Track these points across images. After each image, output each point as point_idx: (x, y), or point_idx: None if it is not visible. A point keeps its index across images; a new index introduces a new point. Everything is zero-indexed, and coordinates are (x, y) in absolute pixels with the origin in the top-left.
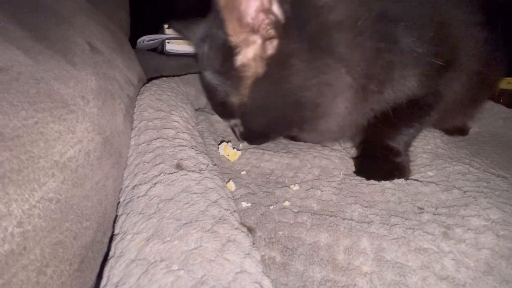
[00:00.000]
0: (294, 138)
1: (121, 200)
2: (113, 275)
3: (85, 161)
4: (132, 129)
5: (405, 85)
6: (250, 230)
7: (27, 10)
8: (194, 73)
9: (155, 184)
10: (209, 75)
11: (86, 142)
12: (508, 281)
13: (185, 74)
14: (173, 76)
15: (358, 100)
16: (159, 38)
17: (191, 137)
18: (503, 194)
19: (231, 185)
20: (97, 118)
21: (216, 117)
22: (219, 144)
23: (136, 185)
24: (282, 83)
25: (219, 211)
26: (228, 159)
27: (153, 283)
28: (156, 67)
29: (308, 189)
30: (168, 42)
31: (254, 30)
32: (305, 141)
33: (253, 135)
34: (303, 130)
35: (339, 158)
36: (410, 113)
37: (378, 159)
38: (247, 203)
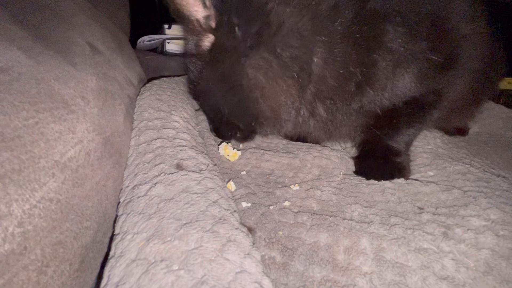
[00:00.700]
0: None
1: (122, 200)
2: (113, 275)
3: (86, 161)
4: (132, 129)
5: (399, 84)
6: (250, 230)
7: (27, 10)
8: None
9: (155, 184)
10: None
11: (86, 142)
12: (508, 281)
13: (185, 74)
14: (173, 76)
15: (311, 100)
16: (159, 39)
17: (191, 137)
18: (503, 194)
19: (231, 185)
20: (97, 118)
21: None
22: (219, 144)
23: (136, 185)
24: (218, 73)
25: (219, 211)
26: (228, 159)
27: (154, 283)
28: (156, 67)
29: (308, 189)
30: (168, 43)
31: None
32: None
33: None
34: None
35: (339, 158)
36: (410, 113)
37: (378, 159)
38: (247, 203)
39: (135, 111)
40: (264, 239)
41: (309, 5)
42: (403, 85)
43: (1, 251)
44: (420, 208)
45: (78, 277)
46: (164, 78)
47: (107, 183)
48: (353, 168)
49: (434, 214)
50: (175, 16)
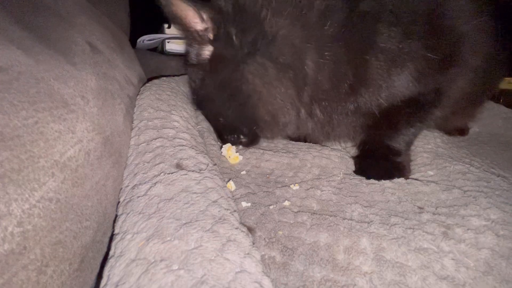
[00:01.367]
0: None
1: (121, 199)
2: (113, 274)
3: (85, 160)
4: (132, 128)
5: (395, 83)
6: (250, 229)
7: (27, 10)
8: None
9: (155, 183)
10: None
11: (86, 141)
12: (508, 281)
13: (185, 74)
14: (173, 76)
15: (309, 103)
16: (159, 38)
17: (191, 137)
18: (503, 194)
19: (231, 185)
20: (97, 118)
21: None
22: (223, 144)
23: (136, 184)
24: (219, 81)
25: (219, 211)
26: (228, 161)
27: (153, 282)
28: (156, 67)
29: (308, 189)
30: (168, 42)
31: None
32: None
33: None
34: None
35: (339, 157)
36: (410, 112)
37: (378, 158)
38: (247, 202)
39: (135, 110)
40: (264, 238)
41: (299, 15)
42: (400, 84)
43: (1, 251)
44: (420, 208)
45: (78, 276)
46: (164, 78)
47: (106, 182)
48: (353, 168)
49: (434, 213)
50: (177, 27)
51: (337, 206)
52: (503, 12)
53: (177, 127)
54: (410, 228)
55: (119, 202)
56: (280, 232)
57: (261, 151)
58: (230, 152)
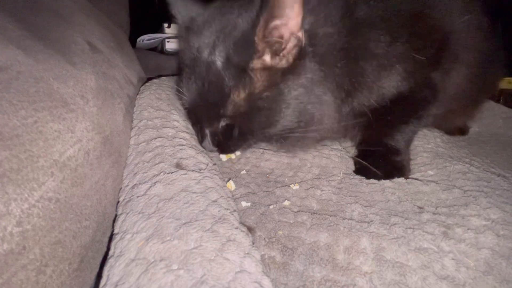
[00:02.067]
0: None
1: (121, 199)
2: (112, 274)
3: (85, 160)
4: (131, 128)
5: (385, 84)
6: (250, 229)
7: (26, 9)
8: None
9: (154, 183)
10: (219, 65)
11: (85, 141)
12: (508, 281)
13: None
14: (173, 75)
15: (339, 109)
16: (159, 37)
17: (191, 136)
18: (503, 193)
19: (231, 185)
20: (96, 118)
21: None
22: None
23: (135, 184)
24: (292, 95)
25: (219, 211)
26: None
27: (153, 282)
28: (155, 67)
29: (308, 189)
30: (167, 41)
31: (271, 44)
32: (281, 148)
33: (235, 141)
34: (288, 139)
35: (339, 157)
36: (405, 110)
37: (378, 158)
38: (247, 202)
39: (134, 110)
40: (264, 238)
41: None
42: (389, 85)
43: (0, 251)
44: (420, 208)
45: (77, 276)
46: (164, 77)
47: (106, 182)
48: (353, 168)
49: (434, 213)
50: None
51: (337, 206)
52: (501, 14)
53: (177, 127)
54: (410, 228)
55: (118, 201)
56: (280, 232)
57: (261, 150)
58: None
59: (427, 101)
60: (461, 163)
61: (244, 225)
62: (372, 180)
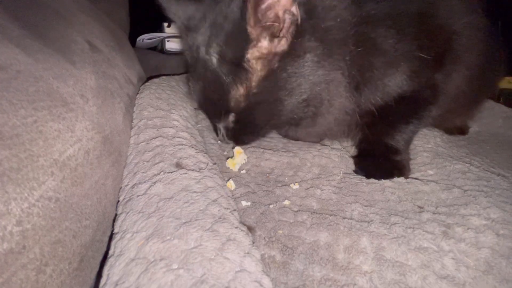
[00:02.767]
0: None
1: (121, 199)
2: (112, 274)
3: (85, 159)
4: (131, 127)
5: (391, 82)
6: (250, 229)
7: (26, 8)
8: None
9: (154, 183)
10: (215, 62)
11: (85, 140)
12: (508, 280)
13: (184, 73)
14: (173, 75)
15: (347, 98)
16: (159, 37)
17: (191, 136)
18: (503, 193)
19: (231, 184)
20: (96, 117)
21: None
22: (233, 148)
23: (135, 184)
24: (295, 79)
25: (219, 210)
26: (231, 160)
27: (153, 282)
28: (155, 66)
29: (308, 188)
30: (167, 41)
31: (267, 27)
32: (295, 139)
33: (247, 133)
34: (300, 126)
35: (339, 157)
36: (407, 110)
37: (378, 157)
38: (247, 202)
39: (134, 109)
40: (264, 238)
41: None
42: (394, 83)
43: (0, 250)
44: (420, 207)
45: (77, 276)
46: (164, 77)
47: (106, 181)
48: (353, 167)
49: (434, 213)
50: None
51: (337, 205)
52: (501, 14)
53: (176, 126)
54: (410, 228)
55: (118, 201)
56: (280, 231)
57: (261, 150)
58: (238, 159)
59: (428, 102)
60: (461, 162)
61: (244, 225)
62: (372, 180)
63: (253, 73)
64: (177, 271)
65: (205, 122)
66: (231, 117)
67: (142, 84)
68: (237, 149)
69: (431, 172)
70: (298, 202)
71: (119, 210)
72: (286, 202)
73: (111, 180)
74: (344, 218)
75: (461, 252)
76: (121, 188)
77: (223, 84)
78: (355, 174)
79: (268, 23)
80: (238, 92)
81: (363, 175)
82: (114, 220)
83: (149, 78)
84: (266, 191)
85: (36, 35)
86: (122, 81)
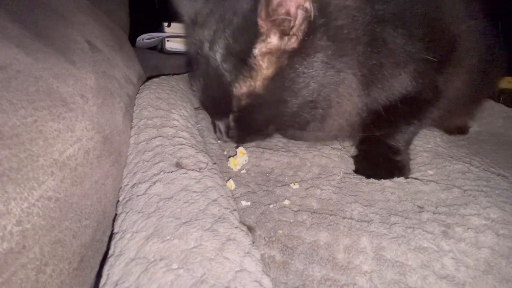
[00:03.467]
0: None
1: (121, 198)
2: (112, 273)
3: (85, 159)
4: (131, 127)
5: (396, 83)
6: (250, 229)
7: (26, 8)
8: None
9: (154, 182)
10: (218, 58)
11: (85, 140)
12: (508, 280)
13: (184, 73)
14: (173, 74)
15: (358, 98)
16: (159, 37)
17: (191, 136)
18: (503, 193)
19: (231, 184)
20: (96, 117)
21: None
22: (236, 148)
23: (135, 183)
24: (303, 79)
25: (219, 210)
26: (233, 159)
27: (153, 282)
28: (155, 66)
29: (308, 188)
30: (167, 41)
31: (278, 23)
32: (300, 140)
33: (247, 133)
34: (306, 129)
35: (339, 156)
36: (408, 111)
37: (378, 157)
38: (247, 202)
39: (134, 109)
40: (264, 238)
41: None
42: (399, 84)
43: (0, 250)
44: (420, 207)
45: (77, 275)
46: (164, 76)
47: (106, 181)
48: (353, 167)
49: (434, 213)
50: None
51: (337, 205)
52: (501, 14)
53: (176, 126)
54: (410, 227)
55: (118, 201)
56: (280, 231)
57: (261, 150)
58: (239, 159)
59: (430, 104)
60: (460, 162)
61: (244, 224)
62: (372, 180)
63: (258, 71)
64: (177, 271)
65: (205, 122)
66: (232, 116)
67: (142, 84)
68: (241, 149)
69: (431, 172)
70: (298, 202)
71: (119, 210)
72: (286, 202)
73: (111, 180)
74: (344, 218)
75: (461, 252)
76: (121, 188)
77: (224, 82)
78: (355, 174)
79: (279, 18)
80: (241, 91)
81: (363, 175)
82: (114, 220)
83: (149, 78)
84: (266, 191)
85: (36, 34)
86: (122, 81)
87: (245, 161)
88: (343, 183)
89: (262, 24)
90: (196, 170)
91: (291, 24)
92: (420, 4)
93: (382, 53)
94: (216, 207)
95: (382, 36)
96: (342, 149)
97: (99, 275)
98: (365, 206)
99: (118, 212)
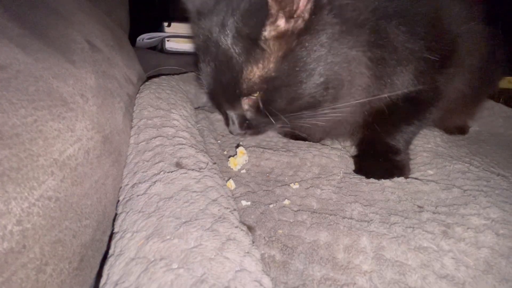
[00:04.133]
0: (295, 135)
1: (121, 198)
2: (112, 273)
3: (85, 159)
4: (131, 127)
5: (398, 81)
6: (250, 228)
7: (26, 7)
8: (194, 71)
9: (154, 182)
10: (229, 41)
11: (85, 140)
12: (508, 280)
13: (184, 73)
14: (173, 74)
15: (370, 77)
16: (159, 36)
17: (191, 136)
18: (503, 193)
19: (231, 184)
20: (96, 116)
21: (216, 116)
22: (236, 147)
23: (135, 183)
24: (313, 57)
25: (219, 210)
26: (233, 159)
27: (153, 281)
28: (155, 66)
29: (308, 188)
30: (167, 40)
31: (284, 5)
32: (305, 133)
33: (262, 121)
34: (317, 113)
35: (339, 156)
36: (408, 110)
37: (378, 157)
38: (247, 201)
39: (134, 109)
40: (264, 237)
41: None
42: (401, 83)
43: (0, 250)
44: (420, 207)
45: (77, 275)
46: (164, 76)
47: (106, 181)
48: (353, 167)
49: (434, 213)
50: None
51: (337, 205)
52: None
53: (176, 126)
54: (410, 227)
55: (118, 200)
56: (280, 231)
57: (261, 149)
58: (239, 159)
59: (430, 104)
60: (460, 162)
61: (244, 224)
62: (372, 180)
63: (269, 54)
64: (177, 271)
65: (205, 122)
66: (245, 103)
67: (142, 84)
68: (241, 149)
69: (431, 172)
70: (298, 201)
71: (119, 210)
72: (286, 202)
73: (111, 179)
74: (344, 217)
75: (461, 251)
76: (121, 187)
77: (234, 64)
78: (355, 174)
79: (285, 1)
80: (252, 73)
81: (363, 175)
82: (114, 220)
83: (149, 78)
84: (266, 190)
85: (36, 34)
86: (122, 81)
87: (245, 161)
88: (343, 183)
89: (272, 3)
90: (196, 170)
91: (295, 7)
92: (422, 4)
93: (385, 48)
94: (216, 206)
95: (386, 30)
96: (342, 149)
97: (99, 274)
98: (365, 206)
99: (118, 212)
